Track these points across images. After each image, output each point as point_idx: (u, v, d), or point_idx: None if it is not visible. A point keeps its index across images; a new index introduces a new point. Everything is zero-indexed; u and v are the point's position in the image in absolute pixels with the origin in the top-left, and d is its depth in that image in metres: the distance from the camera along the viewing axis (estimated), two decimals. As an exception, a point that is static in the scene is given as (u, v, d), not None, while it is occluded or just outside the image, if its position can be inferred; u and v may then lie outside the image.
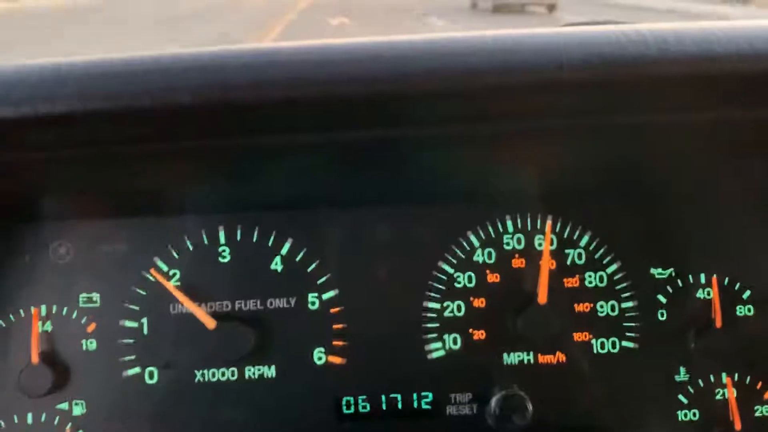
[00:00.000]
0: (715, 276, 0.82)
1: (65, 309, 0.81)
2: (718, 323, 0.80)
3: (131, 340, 0.81)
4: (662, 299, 0.82)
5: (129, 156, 0.71)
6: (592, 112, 0.62)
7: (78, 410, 0.80)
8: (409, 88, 0.60)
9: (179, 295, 0.79)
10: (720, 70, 0.58)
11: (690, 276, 0.82)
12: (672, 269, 0.83)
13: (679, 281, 0.82)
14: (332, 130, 0.66)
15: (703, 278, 0.82)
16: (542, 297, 0.78)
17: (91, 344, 0.81)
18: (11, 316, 0.81)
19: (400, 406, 0.81)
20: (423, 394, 0.81)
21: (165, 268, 0.81)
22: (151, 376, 0.81)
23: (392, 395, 0.81)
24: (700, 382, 0.81)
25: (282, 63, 0.61)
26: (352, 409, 0.81)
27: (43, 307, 0.81)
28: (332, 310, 0.82)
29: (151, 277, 0.81)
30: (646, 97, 0.60)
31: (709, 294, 0.82)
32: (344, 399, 0.81)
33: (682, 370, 0.81)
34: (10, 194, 0.78)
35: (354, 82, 0.60)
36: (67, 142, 0.65)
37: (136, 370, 0.80)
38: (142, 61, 0.62)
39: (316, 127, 0.65)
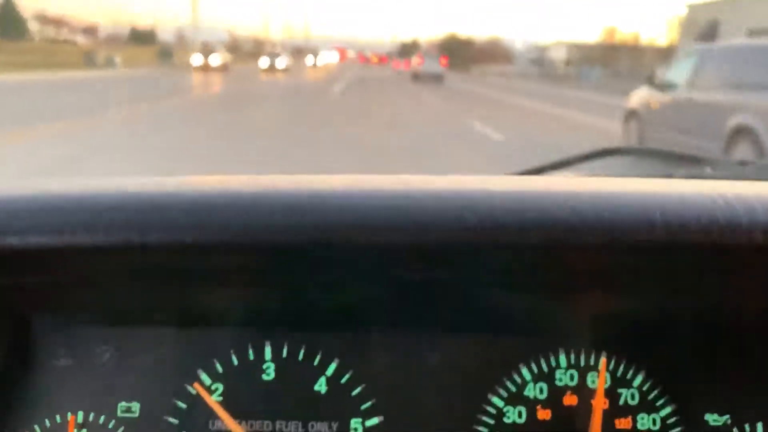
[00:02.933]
0: None
1: (102, 417, 0.79)
2: (776, 479, 0.77)
3: None
4: None
5: (183, 272, 0.72)
6: (667, 274, 0.62)
7: None
8: (471, 242, 0.60)
9: (221, 412, 0.77)
10: None
11: (747, 425, 0.80)
12: (728, 416, 0.80)
13: (735, 429, 0.80)
14: (382, 272, 0.69)
15: (760, 428, 0.80)
16: None
17: None
18: (47, 421, 0.78)
19: None
20: None
21: (208, 382, 0.79)
22: None
23: None
24: None
25: (338, 207, 0.66)
26: None
27: (80, 414, 0.79)
28: None
29: (193, 390, 0.78)
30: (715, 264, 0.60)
31: None
32: None
33: None
34: (61, 298, 0.78)
35: (417, 233, 0.62)
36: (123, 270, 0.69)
37: None
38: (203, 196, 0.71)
39: (362, 269, 0.68)
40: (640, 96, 9.66)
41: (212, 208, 0.70)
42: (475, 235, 0.60)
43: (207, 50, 45.16)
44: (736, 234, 0.57)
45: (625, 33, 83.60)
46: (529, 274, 0.74)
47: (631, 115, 9.77)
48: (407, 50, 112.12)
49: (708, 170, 1.09)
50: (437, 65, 41.74)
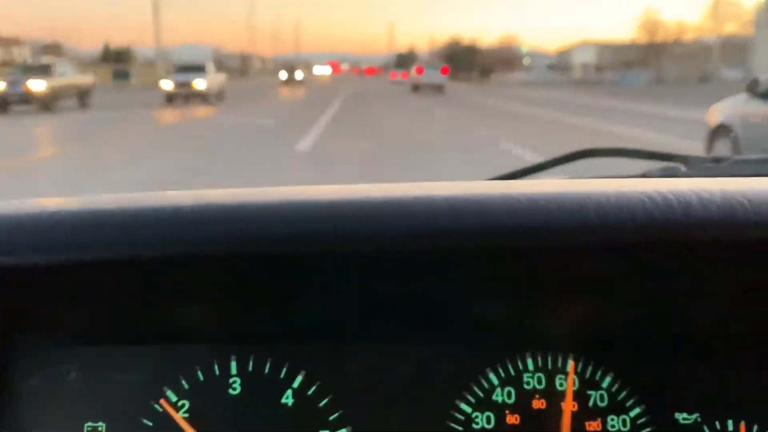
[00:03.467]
0: (743, 423, 0.78)
1: None
2: (747, 475, 0.76)
3: None
4: None
5: (148, 289, 0.73)
6: (621, 275, 0.62)
7: None
8: (445, 246, 0.61)
9: (188, 428, 0.77)
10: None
11: (717, 422, 0.79)
12: (697, 414, 0.79)
13: (705, 427, 0.79)
14: (347, 283, 0.69)
15: (730, 425, 0.78)
16: None
17: None
18: None
19: None
20: None
21: (174, 399, 0.79)
22: None
23: None
24: None
25: (318, 217, 0.68)
26: None
27: None
28: None
29: (159, 408, 0.79)
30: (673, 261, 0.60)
31: None
32: None
33: None
34: (28, 317, 0.79)
35: (394, 238, 0.62)
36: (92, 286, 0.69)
37: None
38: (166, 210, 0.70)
39: (342, 278, 0.68)
40: (732, 107, 7.68)
41: (175, 222, 0.70)
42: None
43: (38, 68, 24.74)
44: (673, 231, 0.56)
45: (667, 26, 70.66)
46: (490, 279, 0.73)
47: (721, 132, 7.69)
48: (404, 61, 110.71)
49: (682, 168, 1.08)
50: (438, 75, 40.76)
